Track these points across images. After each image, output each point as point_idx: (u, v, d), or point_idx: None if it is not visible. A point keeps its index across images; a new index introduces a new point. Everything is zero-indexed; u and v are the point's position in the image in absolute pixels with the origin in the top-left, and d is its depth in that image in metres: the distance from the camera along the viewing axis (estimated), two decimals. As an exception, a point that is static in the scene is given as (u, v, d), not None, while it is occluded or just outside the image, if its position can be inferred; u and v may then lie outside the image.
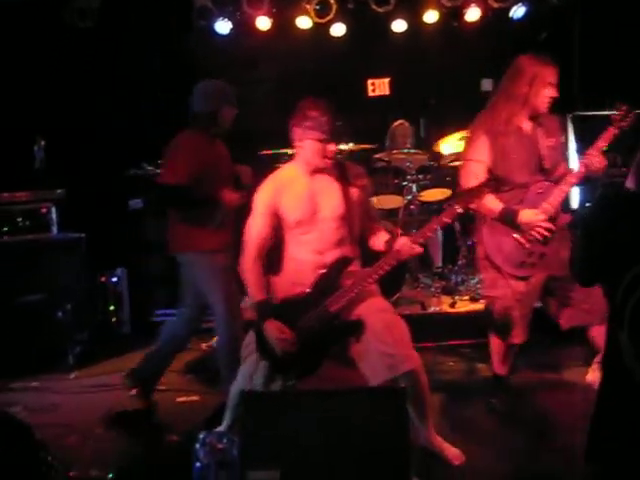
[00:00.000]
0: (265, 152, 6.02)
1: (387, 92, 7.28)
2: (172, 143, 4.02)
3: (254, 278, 3.31)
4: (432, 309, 5.44)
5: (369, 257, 3.43)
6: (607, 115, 3.67)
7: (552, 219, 3.55)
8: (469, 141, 3.73)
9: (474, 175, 3.56)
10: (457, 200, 3.28)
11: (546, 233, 3.54)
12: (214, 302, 3.99)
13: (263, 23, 6.29)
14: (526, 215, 3.54)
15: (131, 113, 6.27)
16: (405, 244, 3.20)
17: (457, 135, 5.86)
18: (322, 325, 3.22)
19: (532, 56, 3.63)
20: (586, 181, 3.82)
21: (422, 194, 5.97)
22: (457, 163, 5.95)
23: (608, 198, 2.51)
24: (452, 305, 5.45)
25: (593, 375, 4.26)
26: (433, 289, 5.71)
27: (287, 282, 3.35)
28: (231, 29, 6.35)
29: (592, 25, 6.30)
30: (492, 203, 3.61)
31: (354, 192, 3.36)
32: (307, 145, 3.26)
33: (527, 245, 3.59)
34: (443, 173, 6.05)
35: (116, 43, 6.12)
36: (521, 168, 3.59)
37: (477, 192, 3.28)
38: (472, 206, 3.37)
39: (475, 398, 4.06)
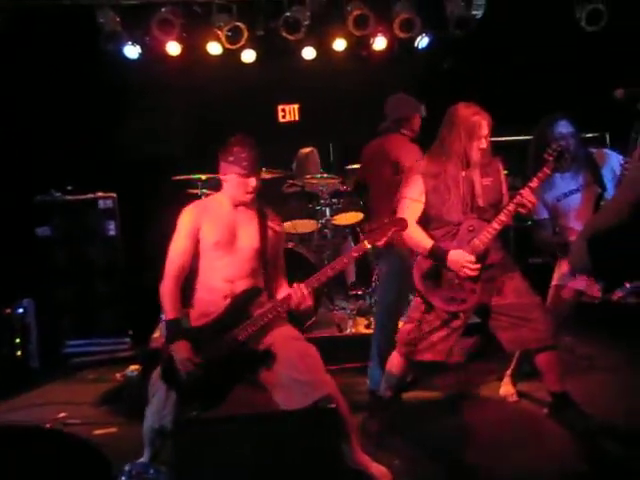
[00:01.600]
0: (177, 178, 5.97)
1: (297, 118, 7.43)
2: (376, 145, 4.69)
3: (170, 298, 3.33)
4: (348, 331, 5.52)
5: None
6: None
7: (482, 257, 3.65)
8: (406, 180, 3.84)
9: (410, 212, 3.71)
10: (366, 237, 3.39)
11: (474, 273, 3.62)
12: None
13: (173, 48, 6.24)
14: (455, 255, 3.63)
15: (38, 139, 6.08)
16: (296, 292, 3.27)
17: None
18: (230, 353, 3.24)
19: (467, 107, 3.69)
20: (517, 220, 3.95)
21: (335, 218, 6.05)
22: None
23: None
24: (367, 326, 5.54)
25: (505, 389, 4.44)
26: (349, 311, 5.79)
27: (198, 312, 3.38)
28: (140, 54, 6.29)
29: (491, 54, 6.62)
30: (423, 240, 3.71)
31: (270, 234, 3.50)
32: (230, 179, 3.41)
33: (456, 280, 3.68)
34: (355, 197, 6.16)
35: (21, 65, 5.93)
36: (454, 207, 3.69)
37: (385, 229, 3.37)
38: (379, 244, 3.38)
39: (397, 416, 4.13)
